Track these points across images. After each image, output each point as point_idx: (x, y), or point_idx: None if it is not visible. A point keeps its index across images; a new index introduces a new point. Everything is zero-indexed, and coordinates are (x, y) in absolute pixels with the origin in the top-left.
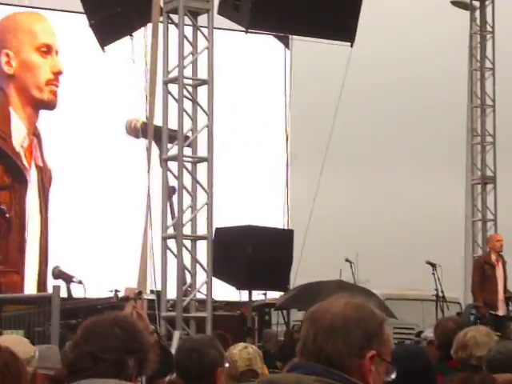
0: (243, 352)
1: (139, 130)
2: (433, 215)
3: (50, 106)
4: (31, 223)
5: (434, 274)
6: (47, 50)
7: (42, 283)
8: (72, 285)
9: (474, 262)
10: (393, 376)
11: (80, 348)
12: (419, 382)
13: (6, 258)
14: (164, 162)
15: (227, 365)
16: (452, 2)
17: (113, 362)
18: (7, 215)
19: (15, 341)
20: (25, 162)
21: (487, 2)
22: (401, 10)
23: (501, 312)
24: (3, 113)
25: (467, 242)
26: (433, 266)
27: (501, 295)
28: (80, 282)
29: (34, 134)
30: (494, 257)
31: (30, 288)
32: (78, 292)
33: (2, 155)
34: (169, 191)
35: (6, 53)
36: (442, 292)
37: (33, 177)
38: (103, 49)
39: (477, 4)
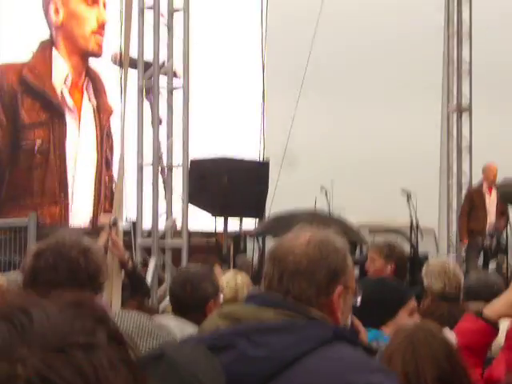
0: (231, 281)
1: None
2: (408, 143)
3: (95, 55)
4: (82, 158)
5: (408, 202)
6: (94, 0)
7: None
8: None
9: (466, 192)
10: (358, 299)
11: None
12: (389, 310)
13: (44, 190)
14: (139, 90)
15: (221, 296)
16: None
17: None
18: (42, 148)
19: None
20: (68, 100)
21: None
22: None
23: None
24: (44, 55)
25: (442, 171)
26: (408, 194)
27: (491, 222)
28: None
29: (87, 75)
30: (485, 185)
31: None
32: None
33: (38, 94)
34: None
35: (55, 1)
36: (417, 220)
37: (84, 114)
38: None
39: None
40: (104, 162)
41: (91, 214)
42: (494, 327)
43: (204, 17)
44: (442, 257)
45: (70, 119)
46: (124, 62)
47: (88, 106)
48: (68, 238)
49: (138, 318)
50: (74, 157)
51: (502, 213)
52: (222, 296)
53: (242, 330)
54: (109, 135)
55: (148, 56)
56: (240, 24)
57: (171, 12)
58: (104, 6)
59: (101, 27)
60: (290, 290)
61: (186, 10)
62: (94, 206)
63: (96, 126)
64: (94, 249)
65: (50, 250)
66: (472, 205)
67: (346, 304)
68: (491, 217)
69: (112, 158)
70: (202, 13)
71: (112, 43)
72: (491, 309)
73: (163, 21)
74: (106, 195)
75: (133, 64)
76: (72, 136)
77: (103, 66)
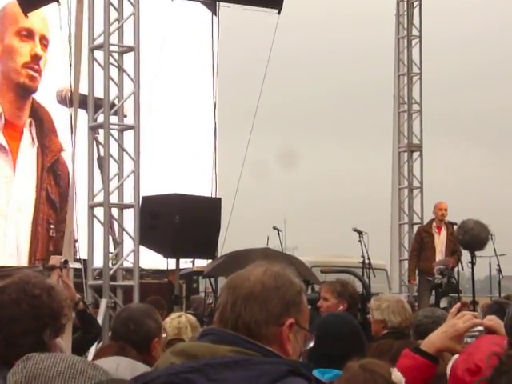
0: (174, 321)
1: (69, 100)
2: (360, 183)
3: (29, 89)
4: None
5: (360, 241)
6: (28, 34)
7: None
8: None
9: (416, 230)
10: (311, 344)
11: None
12: (350, 345)
13: None
14: (90, 129)
15: (164, 335)
16: None
17: (29, 345)
18: None
19: None
20: (1, 140)
21: None
22: None
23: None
24: None
25: (394, 210)
26: (359, 233)
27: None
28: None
29: (32, 115)
30: (435, 224)
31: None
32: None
33: None
34: (100, 161)
35: None
36: (369, 259)
37: (23, 154)
38: (26, 15)
39: None
40: (45, 201)
41: (28, 255)
42: (433, 362)
43: (154, 55)
44: (394, 293)
45: (1, 158)
46: (74, 101)
47: (29, 147)
48: (32, 276)
49: (71, 358)
50: (6, 197)
51: (453, 252)
52: (165, 335)
53: (197, 366)
54: (56, 175)
55: (98, 93)
56: (191, 62)
57: (121, 51)
58: (41, 41)
59: (34, 61)
60: (242, 315)
61: (137, 48)
62: (30, 246)
63: (37, 166)
64: (57, 289)
65: (14, 286)
66: (422, 244)
67: (296, 341)
68: (439, 256)
69: (61, 198)
70: (153, 51)
71: (58, 81)
72: (428, 343)
73: (113, 60)
74: (49, 236)
75: (82, 103)
76: (4, 176)
77: (54, 104)
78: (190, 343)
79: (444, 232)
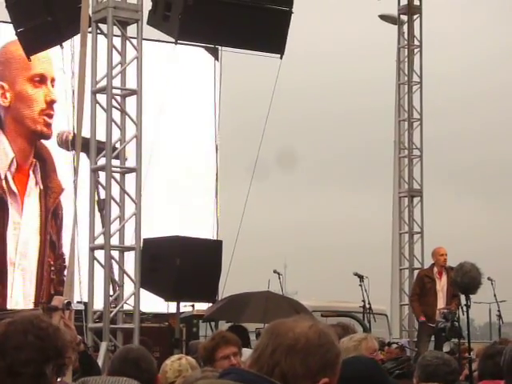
0: (175, 363)
1: (70, 143)
2: (361, 228)
3: (45, 137)
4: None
5: (361, 285)
6: (40, 80)
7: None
8: None
9: (417, 274)
10: None
11: None
12: None
13: None
14: (92, 172)
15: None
16: (380, 16)
17: (30, 374)
18: None
19: None
20: (12, 186)
21: (415, 17)
22: (331, 23)
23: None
24: None
25: (394, 255)
26: (360, 277)
27: (440, 308)
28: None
29: (35, 156)
30: (436, 270)
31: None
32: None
33: None
34: (101, 204)
35: (1, 85)
36: (369, 304)
37: (28, 197)
38: (29, 58)
39: (405, 18)
40: (48, 244)
41: (33, 298)
42: None
43: (157, 98)
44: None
45: (12, 205)
46: (76, 145)
47: (33, 189)
48: (40, 314)
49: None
50: (15, 242)
51: (453, 295)
52: (166, 377)
53: None
54: (57, 215)
55: (100, 137)
56: (194, 105)
57: (124, 94)
58: (52, 84)
59: (49, 107)
60: (281, 364)
61: (140, 92)
62: (36, 290)
63: (41, 208)
64: (63, 329)
65: (22, 319)
66: (423, 289)
67: None
68: (441, 301)
69: (60, 239)
70: (155, 95)
71: (59, 123)
72: None
73: (115, 103)
74: (50, 278)
75: (83, 146)
76: (13, 222)
77: (55, 144)
78: (213, 380)
79: (445, 277)
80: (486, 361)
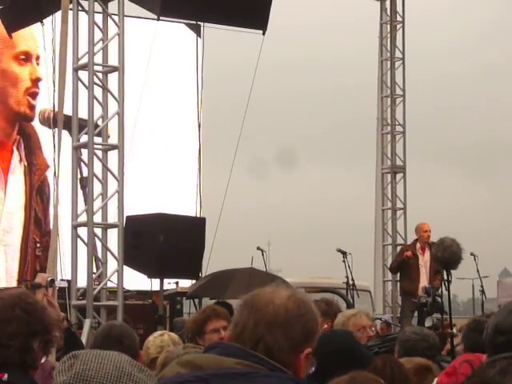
0: (157, 339)
1: (52, 120)
2: (343, 204)
3: (27, 119)
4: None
5: (344, 261)
6: (26, 58)
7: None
8: None
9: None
10: (313, 369)
11: None
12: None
13: None
14: (74, 149)
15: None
16: None
17: (17, 347)
18: None
19: None
20: None
21: None
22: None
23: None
24: None
25: (377, 231)
26: (343, 253)
27: (423, 283)
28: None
29: (20, 133)
30: (419, 245)
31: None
32: None
33: None
34: (83, 181)
35: None
36: (353, 280)
37: (12, 174)
38: (10, 35)
39: None
40: (33, 221)
41: (16, 275)
42: None
43: (139, 75)
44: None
45: None
46: (58, 122)
47: (18, 165)
48: (26, 292)
49: (119, 359)
50: None
51: (436, 271)
52: (148, 354)
53: (204, 376)
54: (43, 192)
55: (82, 114)
56: (176, 82)
57: (106, 71)
58: (37, 62)
59: (35, 84)
60: (264, 338)
61: (121, 69)
62: (19, 266)
63: (26, 185)
64: (49, 308)
65: (10, 295)
66: (405, 263)
67: (306, 366)
68: (424, 277)
69: (47, 216)
70: (137, 71)
71: (42, 101)
72: None
73: (97, 80)
74: (35, 255)
75: (65, 124)
76: None
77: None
78: (197, 355)
79: (428, 253)
80: (470, 334)
